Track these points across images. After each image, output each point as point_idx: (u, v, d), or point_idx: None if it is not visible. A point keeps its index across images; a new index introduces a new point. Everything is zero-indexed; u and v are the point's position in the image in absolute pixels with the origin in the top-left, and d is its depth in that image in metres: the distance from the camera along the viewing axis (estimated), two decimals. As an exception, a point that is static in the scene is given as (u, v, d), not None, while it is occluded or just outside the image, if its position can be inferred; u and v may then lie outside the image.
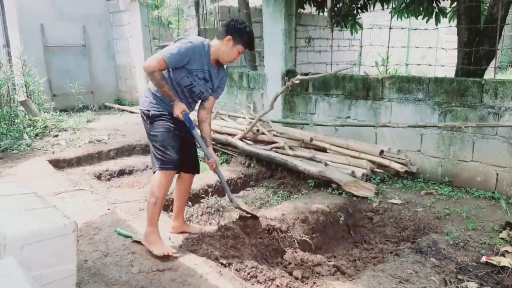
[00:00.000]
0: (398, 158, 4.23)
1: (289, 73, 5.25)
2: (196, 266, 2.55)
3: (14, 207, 2.00)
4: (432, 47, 4.83)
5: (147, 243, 2.74)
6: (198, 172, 3.15)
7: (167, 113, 2.78)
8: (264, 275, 2.67)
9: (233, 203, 3.21)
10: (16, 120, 6.14)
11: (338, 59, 9.49)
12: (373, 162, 4.20)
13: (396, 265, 2.71)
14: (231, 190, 4.65)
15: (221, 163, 5.36)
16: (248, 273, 2.66)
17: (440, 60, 13.70)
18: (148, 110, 2.80)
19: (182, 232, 3.16)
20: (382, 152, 4.19)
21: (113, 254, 2.69)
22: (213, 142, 5.59)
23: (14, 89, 6.89)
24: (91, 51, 8.78)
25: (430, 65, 5.70)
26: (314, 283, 2.67)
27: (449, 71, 9.95)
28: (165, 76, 2.74)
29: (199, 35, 6.89)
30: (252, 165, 5.07)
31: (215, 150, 5.56)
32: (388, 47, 4.50)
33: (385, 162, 4.12)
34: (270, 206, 4.18)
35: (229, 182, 4.67)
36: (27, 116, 6.37)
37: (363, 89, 4.54)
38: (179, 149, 2.78)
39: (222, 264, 2.74)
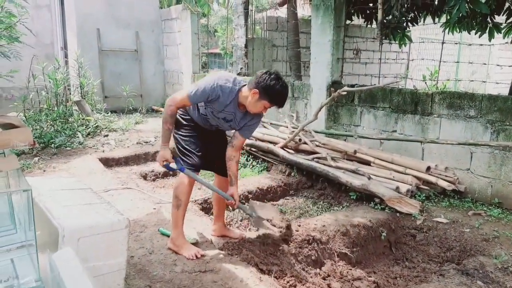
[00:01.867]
0: (446, 176, 4.10)
1: (335, 84, 5.23)
2: (236, 270, 2.59)
3: (73, 200, 2.13)
4: (486, 63, 4.60)
5: (175, 247, 2.82)
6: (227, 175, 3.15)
7: (191, 120, 2.86)
8: (303, 285, 2.67)
9: (255, 219, 3.18)
10: (70, 119, 6.50)
11: (384, 71, 9.35)
12: (418, 178, 4.09)
13: (440, 285, 2.63)
14: (270, 198, 4.71)
15: (261, 170, 5.42)
16: (288, 282, 2.67)
17: (492, 77, 13.15)
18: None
19: (223, 236, 3.21)
20: (429, 168, 4.08)
21: (158, 252, 2.78)
22: (253, 149, 5.70)
23: (69, 89, 7.31)
24: (142, 56, 9.16)
25: (484, 81, 5.44)
26: (354, 297, 2.63)
27: (502, 89, 9.53)
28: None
29: (246, 44, 7.02)
30: (292, 174, 5.07)
31: (256, 158, 5.62)
32: (440, 61, 4.39)
33: (432, 179, 4.01)
34: (309, 217, 4.17)
35: (268, 189, 4.72)
36: (80, 115, 6.73)
37: (411, 103, 4.45)
38: (202, 155, 2.83)
39: (261, 270, 2.77)
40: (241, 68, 6.94)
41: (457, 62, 7.53)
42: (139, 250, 2.81)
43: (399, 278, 3.26)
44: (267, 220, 3.18)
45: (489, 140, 3.86)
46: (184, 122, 2.86)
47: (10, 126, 1.76)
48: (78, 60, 7.38)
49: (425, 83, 7.66)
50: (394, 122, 4.65)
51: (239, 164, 2.96)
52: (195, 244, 2.92)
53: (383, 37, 4.77)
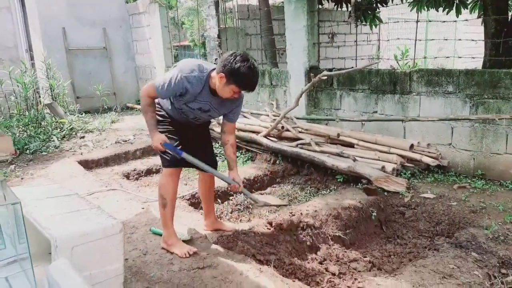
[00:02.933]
0: (429, 152, 4.17)
1: (313, 69, 5.22)
2: (235, 263, 2.56)
3: (60, 208, 2.04)
4: (461, 39, 4.70)
5: (167, 245, 2.76)
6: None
7: (167, 116, 2.74)
8: (302, 271, 2.67)
9: (259, 202, 3.17)
10: (43, 123, 6.26)
11: (357, 53, 9.40)
12: (403, 156, 4.15)
13: (437, 260, 2.67)
14: (258, 187, 4.69)
15: (245, 161, 5.38)
16: (287, 270, 2.66)
17: (459, 52, 13.45)
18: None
19: (216, 230, 3.17)
20: (412, 146, 4.14)
21: (152, 252, 2.72)
22: (236, 140, 5.63)
23: (38, 92, 7.03)
24: (111, 53, 8.89)
25: (447, 57, 5.57)
26: (355, 279, 2.66)
27: (469, 63, 9.74)
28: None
29: (219, 34, 6.91)
30: (277, 162, 5.06)
31: (239, 148, 5.57)
32: (416, 40, 4.43)
33: (416, 156, 4.07)
34: (299, 202, 4.17)
35: (255, 179, 4.69)
36: (53, 118, 6.49)
37: (390, 83, 4.49)
38: (181, 149, 2.69)
39: (259, 261, 2.75)
40: (216, 59, 6.83)
41: (433, 39, 7.58)
42: (133, 252, 2.73)
43: (393, 256, 3.30)
44: (271, 204, 3.19)
45: (469, 114, 3.94)
46: (160, 118, 2.73)
47: (-12, 135, 1.65)
48: (45, 61, 7.10)
49: (397, 62, 7.73)
50: (374, 103, 4.68)
51: (232, 153, 2.83)
52: (190, 241, 2.87)
53: (357, 19, 4.77)
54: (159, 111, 2.74)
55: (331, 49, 8.73)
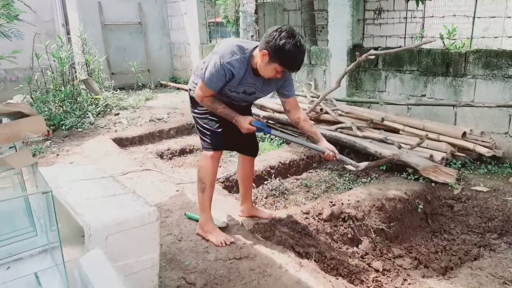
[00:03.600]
0: (483, 141, 3.84)
1: (356, 48, 4.90)
2: (273, 255, 2.42)
3: (96, 192, 1.93)
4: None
5: (203, 232, 2.63)
6: (255, 154, 2.91)
7: None
8: (345, 268, 2.50)
9: (361, 166, 2.87)
10: (78, 99, 6.27)
11: (399, 31, 8.88)
12: (453, 145, 3.84)
13: (494, 262, 2.43)
14: (293, 172, 4.50)
15: (280, 144, 5.19)
16: (328, 265, 2.50)
17: (508, 32, 12.55)
18: (190, 89, 2.65)
19: (252, 216, 3.03)
20: (464, 134, 3.82)
21: (187, 239, 2.61)
22: (271, 122, 5.45)
23: (74, 68, 7.03)
24: (146, 29, 8.79)
25: (496, 37, 5.07)
26: (405, 280, 2.46)
27: None
28: None
29: (256, 10, 6.63)
30: (315, 146, 4.84)
31: (274, 129, 5.38)
32: (474, 17, 4.03)
33: (469, 145, 3.75)
34: (337, 190, 3.98)
35: (290, 163, 4.50)
36: (89, 94, 6.49)
37: (442, 64, 4.14)
38: (222, 132, 2.57)
39: (298, 253, 2.60)
40: (252, 36, 6.59)
41: (500, 17, 6.89)
42: (167, 237, 2.64)
43: (440, 253, 3.07)
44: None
45: (532, 101, 3.58)
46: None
47: (19, 115, 1.54)
48: (81, 36, 7.06)
49: (443, 42, 7.22)
50: (423, 86, 4.35)
51: (310, 126, 2.63)
52: (225, 228, 2.74)
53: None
54: None
55: (372, 27, 8.26)
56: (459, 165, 3.80)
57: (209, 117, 2.57)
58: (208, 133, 2.58)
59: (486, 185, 3.52)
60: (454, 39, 5.05)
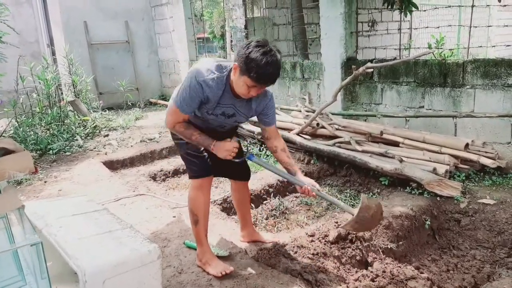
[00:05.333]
0: (486, 152, 3.76)
1: (350, 61, 4.84)
2: (282, 285, 2.26)
3: (89, 229, 1.76)
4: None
5: (201, 263, 2.46)
6: (247, 178, 2.73)
7: (190, 122, 2.37)
8: (359, 295, 2.35)
9: (345, 209, 2.57)
10: (66, 121, 6.07)
11: (387, 42, 8.90)
12: (456, 157, 3.75)
13: (515, 282, 2.31)
14: (292, 190, 4.35)
15: (277, 160, 5.05)
16: (341, 293, 2.34)
17: (492, 40, 12.72)
18: None
19: (253, 241, 2.87)
20: (467, 145, 3.73)
21: (188, 270, 2.44)
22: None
23: (61, 89, 6.84)
24: (134, 47, 8.66)
25: (480, 46, 5.08)
26: (424, 307, 2.31)
27: (502, 51, 9.12)
28: None
29: (245, 25, 6.56)
30: (312, 161, 4.72)
31: (257, 156, 5.23)
32: (471, 26, 3.99)
33: (473, 157, 3.66)
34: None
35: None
36: (76, 116, 6.30)
37: (439, 75, 4.07)
38: (209, 156, 2.37)
39: (307, 280, 2.44)
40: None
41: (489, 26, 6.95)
42: (167, 269, 2.46)
43: (452, 271, 2.95)
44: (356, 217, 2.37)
45: (533, 110, 3.51)
46: None
47: (3, 151, 1.38)
48: (67, 56, 6.90)
49: (433, 53, 7.22)
50: (421, 97, 4.27)
51: (286, 157, 2.50)
52: (227, 257, 2.58)
53: (401, 5, 4.36)
54: None
55: (361, 39, 8.26)
56: (463, 178, 3.71)
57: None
58: (194, 160, 2.38)
59: (492, 197, 3.42)
60: (441, 48, 5.02)
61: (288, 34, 6.84)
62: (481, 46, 6.19)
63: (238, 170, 2.63)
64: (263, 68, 1.95)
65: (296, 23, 6.20)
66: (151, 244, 1.66)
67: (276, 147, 2.44)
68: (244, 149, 2.37)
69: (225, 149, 2.21)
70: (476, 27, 4.06)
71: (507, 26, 4.73)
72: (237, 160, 2.33)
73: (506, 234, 3.13)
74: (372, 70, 3.93)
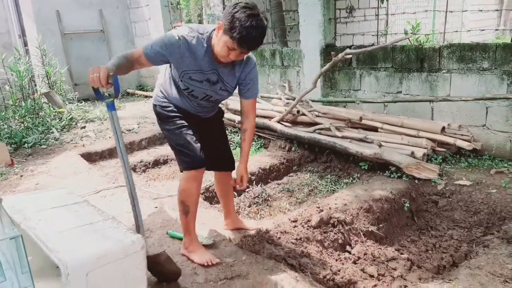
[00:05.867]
0: (462, 135, 3.86)
1: (329, 47, 4.85)
2: (267, 271, 2.28)
3: (70, 222, 1.73)
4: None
5: (187, 252, 2.45)
6: (232, 168, 2.65)
7: (175, 110, 2.33)
8: (342, 277, 2.39)
9: None
10: (40, 113, 5.90)
11: (365, 29, 8.95)
12: (433, 140, 3.83)
13: (490, 259, 2.39)
14: (274, 177, 4.37)
15: (258, 148, 5.06)
16: (324, 276, 2.38)
17: (466, 25, 12.96)
18: (155, 105, 2.40)
19: (237, 229, 2.88)
20: (443, 129, 3.81)
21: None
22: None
23: (34, 81, 6.64)
24: (109, 36, 8.45)
25: (455, 31, 5.17)
26: (405, 286, 2.37)
27: (475, 37, 9.31)
28: (169, 76, 2.30)
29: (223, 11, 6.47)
30: (293, 148, 4.75)
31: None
32: (447, 11, 4.05)
33: (449, 140, 3.75)
34: (320, 192, 3.89)
35: (271, 168, 4.39)
36: (51, 108, 6.13)
37: (416, 60, 4.13)
38: (198, 146, 2.31)
39: (291, 265, 2.47)
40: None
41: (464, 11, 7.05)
42: (150, 260, 2.44)
43: (431, 251, 3.03)
44: None
45: (507, 92, 3.61)
46: (169, 114, 2.33)
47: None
48: (40, 47, 6.68)
49: (409, 39, 7.30)
50: (399, 83, 4.33)
51: (244, 140, 2.43)
52: (212, 245, 2.58)
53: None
54: (167, 106, 2.34)
55: (339, 25, 8.28)
56: (440, 160, 3.80)
57: (184, 130, 2.30)
58: (185, 150, 2.29)
59: (468, 178, 3.52)
60: (417, 34, 5.07)
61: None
62: (456, 31, 6.29)
63: (223, 160, 2.62)
64: (246, 30, 1.88)
65: (275, 10, 6.16)
66: (135, 234, 1.65)
67: (243, 124, 2.38)
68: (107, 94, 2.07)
69: (92, 71, 1.95)
70: (452, 12, 4.11)
71: (481, 11, 4.80)
72: (96, 96, 2.10)
73: (482, 214, 3.23)
74: (351, 56, 3.96)
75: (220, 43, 1.98)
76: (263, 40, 2.02)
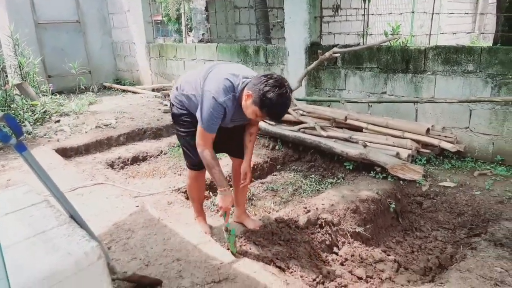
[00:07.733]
0: (445, 137, 3.88)
1: (314, 46, 4.80)
2: (255, 274, 2.19)
3: (20, 232, 1.54)
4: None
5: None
6: (241, 156, 2.72)
7: (187, 113, 2.51)
8: (332, 280, 2.33)
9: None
10: (12, 106, 5.61)
11: (346, 29, 8.99)
12: (418, 141, 3.83)
13: (480, 262, 2.38)
14: (258, 176, 4.28)
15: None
16: (314, 279, 2.32)
17: (443, 29, 13.24)
18: (173, 105, 2.59)
19: (240, 223, 2.88)
20: (428, 130, 3.82)
21: (155, 262, 2.31)
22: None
23: (5, 71, 6.32)
24: (86, 28, 8.16)
25: (429, 34, 5.21)
26: (396, 290, 2.33)
27: (451, 41, 9.55)
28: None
29: (206, 7, 6.34)
30: (277, 147, 4.68)
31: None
32: (433, 13, 4.05)
33: (434, 141, 3.76)
34: (304, 192, 3.84)
35: (255, 167, 4.30)
36: (24, 100, 5.84)
37: (401, 61, 4.13)
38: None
39: (280, 267, 2.40)
40: (203, 34, 6.30)
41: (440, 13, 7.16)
42: (132, 262, 2.31)
43: (417, 252, 3.02)
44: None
45: (490, 95, 3.64)
46: (182, 118, 2.52)
47: None
48: (13, 36, 6.36)
49: (389, 41, 7.35)
50: (384, 83, 4.32)
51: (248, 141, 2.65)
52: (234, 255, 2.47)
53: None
54: (183, 114, 2.51)
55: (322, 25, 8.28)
56: (425, 161, 3.81)
57: (191, 135, 2.46)
58: (189, 153, 2.57)
59: (452, 180, 3.53)
60: (399, 35, 5.09)
61: (251, 18, 6.71)
62: (433, 34, 6.36)
63: (235, 147, 2.69)
64: (275, 109, 2.11)
65: (259, 6, 6.07)
66: (89, 243, 1.46)
67: (251, 131, 2.60)
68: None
69: (225, 205, 2.38)
70: (438, 14, 4.12)
71: (467, 13, 4.84)
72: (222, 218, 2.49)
73: (466, 216, 3.24)
74: (338, 55, 3.91)
75: (249, 109, 2.18)
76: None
